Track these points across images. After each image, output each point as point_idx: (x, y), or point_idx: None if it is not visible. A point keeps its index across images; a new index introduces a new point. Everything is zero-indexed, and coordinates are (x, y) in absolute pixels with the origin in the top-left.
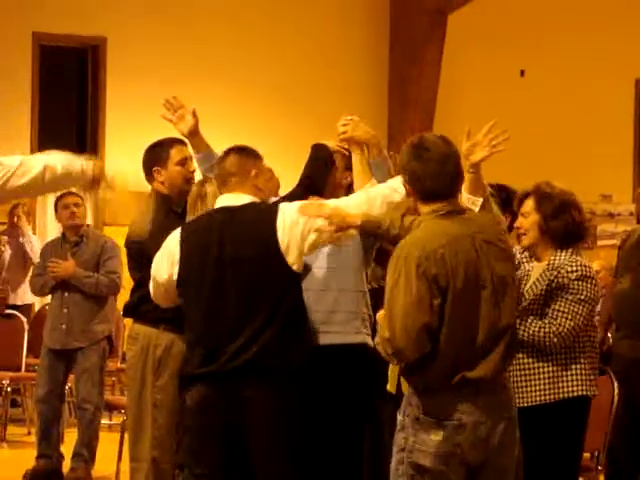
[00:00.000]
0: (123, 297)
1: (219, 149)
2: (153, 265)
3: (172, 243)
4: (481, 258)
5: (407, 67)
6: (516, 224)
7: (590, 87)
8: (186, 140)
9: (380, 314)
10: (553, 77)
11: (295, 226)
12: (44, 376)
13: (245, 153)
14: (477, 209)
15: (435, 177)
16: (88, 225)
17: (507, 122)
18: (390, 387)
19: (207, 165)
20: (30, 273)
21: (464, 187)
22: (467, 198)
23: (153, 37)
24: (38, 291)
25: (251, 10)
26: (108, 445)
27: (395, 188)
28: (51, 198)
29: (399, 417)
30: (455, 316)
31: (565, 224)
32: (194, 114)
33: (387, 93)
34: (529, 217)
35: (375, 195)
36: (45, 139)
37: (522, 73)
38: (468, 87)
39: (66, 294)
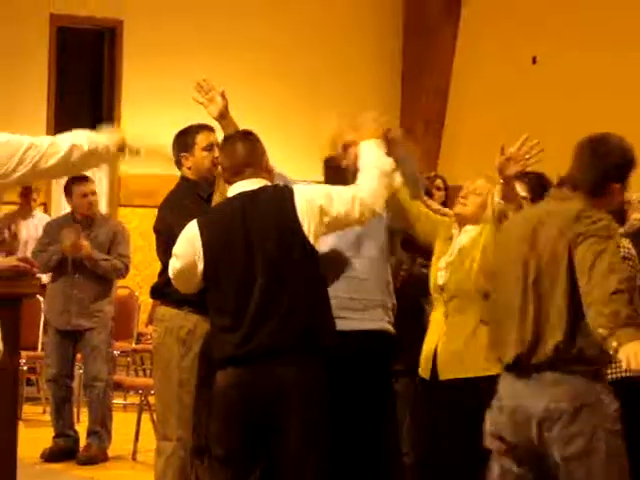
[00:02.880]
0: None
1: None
2: (174, 252)
3: (190, 234)
4: None
5: (421, 54)
6: None
7: (602, 74)
8: (213, 126)
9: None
10: (565, 64)
11: (311, 205)
12: (54, 356)
13: (253, 139)
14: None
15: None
16: None
17: (519, 109)
18: (423, 374)
19: None
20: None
21: (496, 194)
22: (499, 204)
23: (169, 20)
24: (43, 266)
25: None
26: (124, 425)
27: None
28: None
29: None
30: None
31: None
32: (223, 96)
33: (400, 81)
34: None
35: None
36: (62, 120)
37: (534, 60)
38: (481, 74)
39: (76, 276)
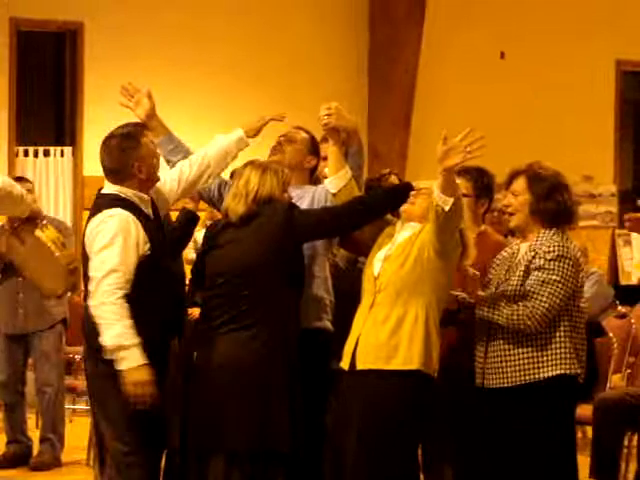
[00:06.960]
0: None
1: (198, 133)
2: None
3: None
4: None
5: (387, 50)
6: (505, 202)
7: (571, 68)
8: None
9: None
10: (533, 59)
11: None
12: (3, 361)
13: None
14: (447, 208)
15: None
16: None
17: (487, 104)
18: (343, 364)
19: (169, 148)
20: None
21: (436, 186)
22: (439, 196)
23: (130, 22)
24: None
25: None
26: (81, 429)
27: None
28: None
29: None
30: None
31: (556, 205)
32: (149, 96)
33: (367, 76)
34: (520, 196)
35: None
36: (23, 125)
37: (502, 55)
38: (448, 69)
39: (20, 279)
